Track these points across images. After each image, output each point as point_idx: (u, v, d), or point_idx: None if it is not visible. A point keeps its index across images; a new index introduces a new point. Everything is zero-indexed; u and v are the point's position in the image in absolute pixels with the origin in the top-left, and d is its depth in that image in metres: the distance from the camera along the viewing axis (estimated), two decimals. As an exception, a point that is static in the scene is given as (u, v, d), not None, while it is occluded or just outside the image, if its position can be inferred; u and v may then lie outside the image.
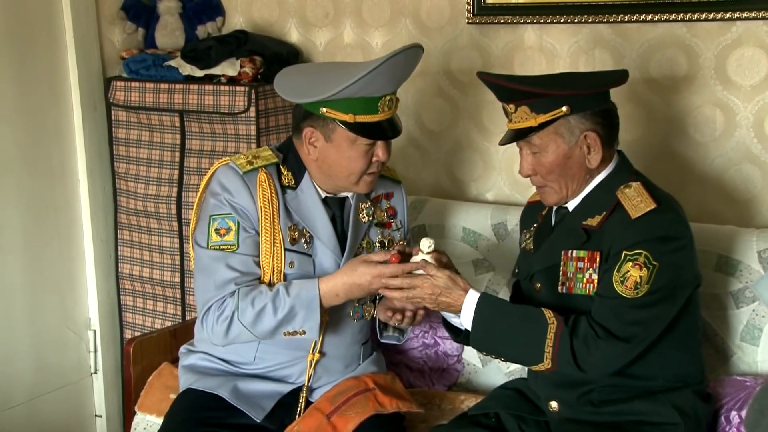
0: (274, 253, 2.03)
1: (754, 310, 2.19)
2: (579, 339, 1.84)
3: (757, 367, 2.18)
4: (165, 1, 3.07)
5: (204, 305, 2.02)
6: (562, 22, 2.56)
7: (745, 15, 2.33)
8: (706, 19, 2.38)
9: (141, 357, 2.42)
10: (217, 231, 2.02)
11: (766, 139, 2.39)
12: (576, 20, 2.53)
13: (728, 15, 2.35)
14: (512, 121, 1.96)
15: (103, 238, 3.09)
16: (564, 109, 1.89)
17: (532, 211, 2.17)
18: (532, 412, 2.04)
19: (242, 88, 2.75)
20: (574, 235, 1.95)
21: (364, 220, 2.15)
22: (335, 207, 2.12)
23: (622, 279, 1.83)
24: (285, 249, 2.04)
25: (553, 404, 1.99)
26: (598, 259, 1.90)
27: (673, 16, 2.41)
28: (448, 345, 2.48)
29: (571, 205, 2.00)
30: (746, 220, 2.41)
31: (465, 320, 1.93)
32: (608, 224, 1.91)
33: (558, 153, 1.92)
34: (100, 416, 3.16)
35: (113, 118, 2.99)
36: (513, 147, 2.68)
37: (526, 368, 2.07)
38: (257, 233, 2.04)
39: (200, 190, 2.12)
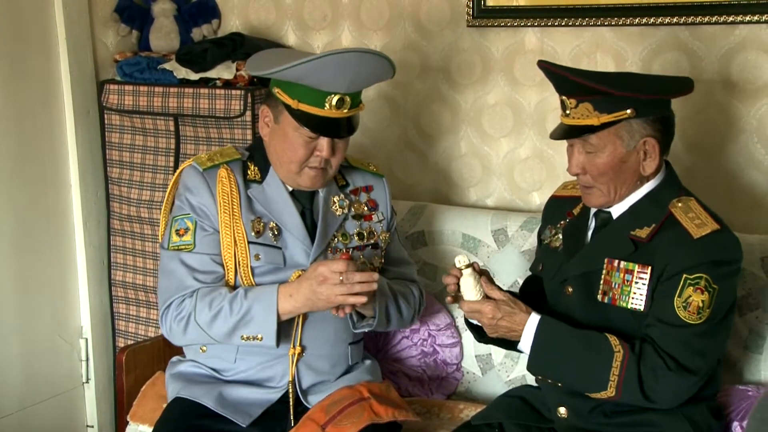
0: (236, 247, 2.06)
1: (757, 317, 2.17)
2: (647, 367, 1.81)
3: (761, 375, 2.16)
4: (160, 3, 3.04)
5: (163, 304, 2.08)
6: (563, 25, 2.55)
7: (748, 18, 2.32)
8: (708, 23, 2.37)
9: (134, 366, 2.40)
10: (177, 232, 2.09)
11: (770, 145, 2.37)
12: (578, 23, 2.52)
13: (731, 18, 2.34)
14: (570, 116, 1.88)
15: (95, 244, 3.05)
16: (629, 111, 1.83)
17: (560, 206, 2.11)
18: (538, 420, 2.01)
19: (238, 92, 2.72)
20: (620, 244, 1.90)
21: (338, 212, 2.16)
22: (304, 200, 2.14)
23: (684, 304, 1.81)
24: (249, 242, 2.06)
25: (562, 410, 1.96)
26: (649, 274, 1.85)
27: (675, 20, 2.40)
28: (447, 353, 2.45)
29: (616, 211, 1.94)
30: (749, 227, 2.38)
31: (524, 344, 1.90)
32: (660, 239, 1.87)
33: (614, 155, 1.87)
34: (92, 427, 3.12)
35: (106, 122, 2.96)
36: (514, 152, 2.70)
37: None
38: (217, 231, 2.07)
39: (167, 193, 2.17)
